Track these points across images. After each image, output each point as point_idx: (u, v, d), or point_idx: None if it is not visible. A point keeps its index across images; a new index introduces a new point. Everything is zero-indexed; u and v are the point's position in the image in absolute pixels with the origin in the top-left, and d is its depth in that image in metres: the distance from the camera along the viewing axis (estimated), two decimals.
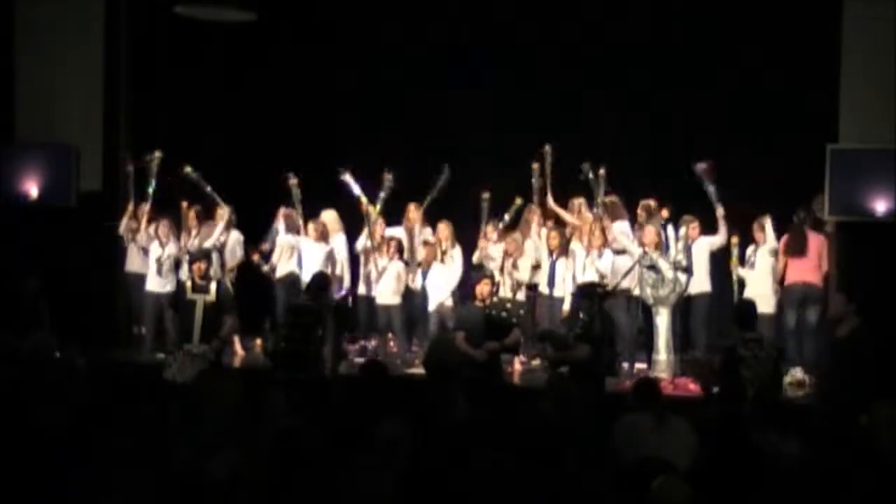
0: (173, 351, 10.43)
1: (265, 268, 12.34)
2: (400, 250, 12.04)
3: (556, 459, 6.98)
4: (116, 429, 8.63)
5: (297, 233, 12.18)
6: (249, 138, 13.60)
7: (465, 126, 13.15)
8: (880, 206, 11.10)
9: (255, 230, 12.59)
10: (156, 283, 11.96)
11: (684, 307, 11.50)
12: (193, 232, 12.44)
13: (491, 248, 11.93)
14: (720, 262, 11.79)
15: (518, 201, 11.99)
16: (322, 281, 10.77)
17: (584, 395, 8.63)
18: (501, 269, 11.64)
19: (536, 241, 12.07)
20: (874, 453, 7.09)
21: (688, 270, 11.17)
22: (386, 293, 11.97)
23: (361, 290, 12.35)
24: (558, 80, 12.98)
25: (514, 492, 6.44)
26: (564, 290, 11.68)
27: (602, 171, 11.45)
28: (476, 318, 10.05)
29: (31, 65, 12.42)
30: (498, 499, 6.34)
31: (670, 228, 11.58)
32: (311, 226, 12.15)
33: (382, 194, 12.01)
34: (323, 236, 12.12)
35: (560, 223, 12.12)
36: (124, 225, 12.35)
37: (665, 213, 11.55)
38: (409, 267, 12.08)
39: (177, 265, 12.00)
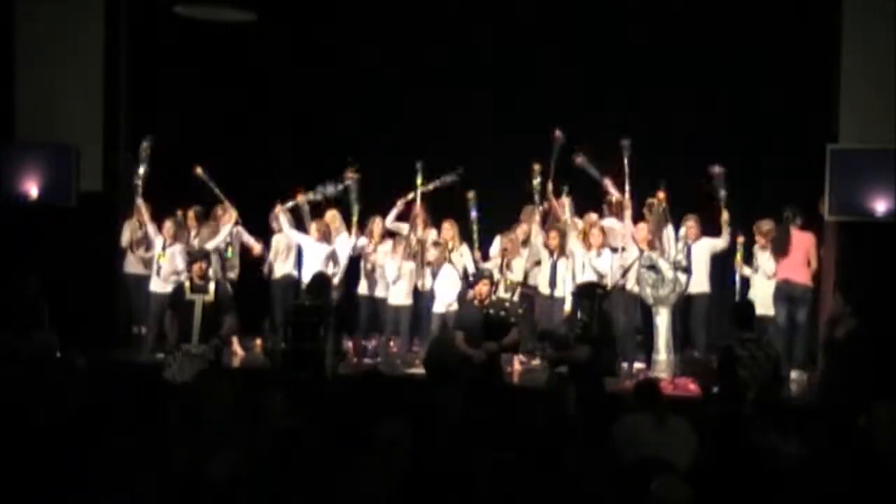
0: (173, 351, 10.42)
1: (264, 269, 12.36)
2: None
3: (556, 459, 6.99)
4: (116, 429, 8.65)
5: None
6: (249, 138, 13.59)
7: (466, 126, 13.14)
8: (880, 206, 11.10)
9: (255, 230, 12.58)
10: (158, 284, 11.95)
11: (684, 307, 11.51)
12: (193, 232, 12.44)
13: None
14: (720, 262, 11.79)
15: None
16: (322, 281, 10.76)
17: (583, 395, 8.65)
18: (501, 269, 11.64)
19: (536, 240, 12.06)
20: (873, 453, 7.10)
21: (687, 270, 11.18)
22: (400, 294, 11.97)
23: (363, 290, 12.33)
24: (558, 80, 12.98)
25: (513, 492, 6.44)
26: (565, 291, 11.68)
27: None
28: (475, 318, 10.05)
29: (31, 65, 12.41)
30: (498, 499, 6.34)
31: (670, 228, 11.58)
32: (313, 226, 12.15)
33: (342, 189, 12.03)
34: (325, 237, 12.12)
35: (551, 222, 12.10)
36: (126, 238, 12.39)
37: (661, 195, 11.43)
38: (418, 268, 12.07)
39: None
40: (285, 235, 12.26)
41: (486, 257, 11.97)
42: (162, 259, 11.95)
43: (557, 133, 11.73)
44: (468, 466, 6.45)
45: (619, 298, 11.25)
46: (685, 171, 11.53)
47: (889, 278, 10.83)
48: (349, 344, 12.10)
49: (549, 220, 12.09)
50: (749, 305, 9.65)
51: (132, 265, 12.48)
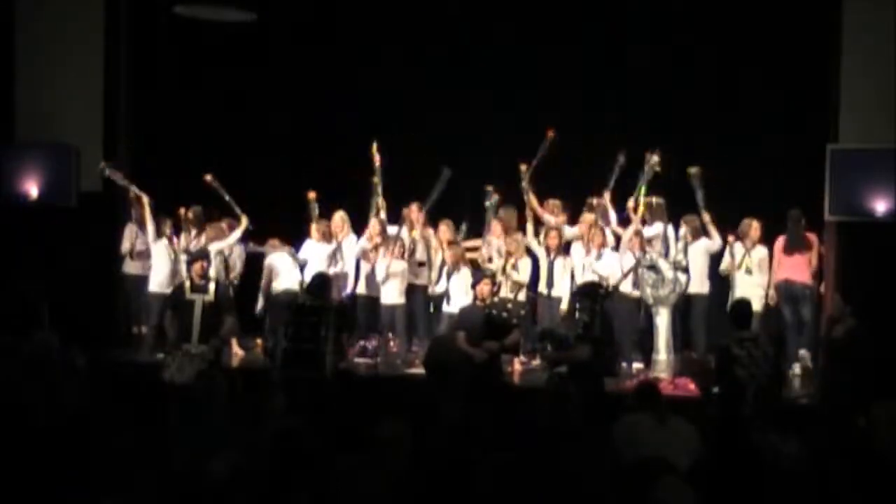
0: (172, 351, 10.42)
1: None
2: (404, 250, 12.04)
3: (556, 459, 6.99)
4: (116, 429, 8.65)
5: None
6: (250, 138, 13.59)
7: (466, 126, 13.14)
8: (880, 206, 11.10)
9: (255, 230, 12.59)
10: (162, 284, 11.95)
11: (684, 307, 11.51)
12: (193, 232, 12.44)
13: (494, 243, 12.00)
14: (720, 262, 11.80)
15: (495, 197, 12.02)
16: (322, 281, 10.76)
17: (583, 395, 8.64)
18: (503, 270, 11.63)
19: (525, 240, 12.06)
20: (873, 453, 7.10)
21: (686, 270, 11.18)
22: (392, 293, 11.96)
23: (361, 289, 12.33)
24: (557, 80, 12.98)
25: (513, 492, 6.44)
26: (562, 290, 11.67)
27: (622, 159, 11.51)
28: (476, 319, 10.05)
29: (31, 65, 12.41)
30: (497, 499, 6.34)
31: (670, 228, 11.57)
32: (314, 226, 12.15)
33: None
34: (325, 236, 12.11)
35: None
36: (126, 247, 12.40)
37: (655, 158, 11.41)
38: (412, 267, 12.05)
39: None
40: (278, 257, 12.18)
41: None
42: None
43: (550, 133, 11.73)
44: (468, 466, 6.45)
45: (620, 299, 11.24)
46: (683, 171, 11.51)
47: (889, 278, 10.84)
48: (349, 344, 12.10)
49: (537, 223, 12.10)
50: (746, 304, 9.65)
51: (131, 266, 12.48)
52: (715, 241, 11.51)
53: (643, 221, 11.55)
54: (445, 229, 12.12)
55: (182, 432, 7.97)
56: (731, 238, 11.62)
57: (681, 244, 11.34)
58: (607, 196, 11.71)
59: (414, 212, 12.20)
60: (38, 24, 12.39)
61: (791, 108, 12.29)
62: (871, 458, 6.98)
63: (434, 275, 12.02)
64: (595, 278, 11.17)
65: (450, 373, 9.77)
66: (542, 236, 12.00)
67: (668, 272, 11.05)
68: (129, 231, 12.45)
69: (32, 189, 12.32)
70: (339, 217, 12.36)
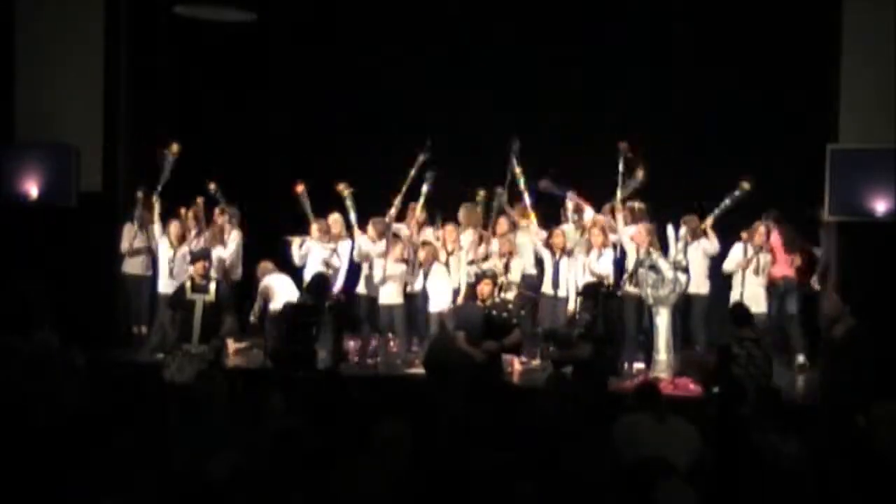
0: (172, 351, 10.42)
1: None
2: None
3: (556, 459, 6.99)
4: (116, 429, 8.64)
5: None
6: (250, 138, 13.59)
7: (466, 126, 13.13)
8: (880, 206, 11.10)
9: (254, 230, 12.60)
10: (168, 285, 11.95)
11: (684, 307, 11.51)
12: (193, 232, 12.44)
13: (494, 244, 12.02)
14: (720, 262, 11.80)
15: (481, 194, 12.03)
16: (321, 281, 10.75)
17: (585, 395, 8.65)
18: (505, 270, 11.64)
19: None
20: (873, 453, 7.10)
21: (686, 270, 11.18)
22: (391, 293, 11.94)
23: (361, 289, 12.32)
24: (556, 79, 12.98)
25: (514, 491, 6.44)
26: (567, 291, 11.67)
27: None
28: (476, 318, 10.05)
29: (31, 65, 12.41)
30: (498, 498, 6.34)
31: (670, 228, 11.57)
32: (314, 225, 12.14)
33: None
34: (325, 235, 12.11)
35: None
36: (125, 245, 12.40)
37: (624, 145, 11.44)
38: (409, 268, 12.06)
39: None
40: (276, 279, 12.16)
41: None
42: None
43: (516, 144, 11.75)
44: (468, 466, 6.45)
45: (621, 299, 11.24)
46: (684, 171, 11.52)
47: (889, 278, 10.84)
48: (349, 344, 12.10)
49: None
50: (746, 305, 9.67)
51: (131, 266, 12.47)
52: (711, 245, 11.49)
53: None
54: (452, 229, 12.10)
55: (182, 432, 7.98)
56: (744, 235, 11.66)
57: (681, 244, 11.33)
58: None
59: (415, 211, 12.22)
60: (38, 24, 12.38)
61: (791, 109, 12.28)
62: (871, 458, 6.98)
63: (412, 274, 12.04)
64: (595, 278, 11.18)
65: (450, 373, 9.77)
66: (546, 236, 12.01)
67: (668, 272, 11.05)
68: (128, 231, 12.44)
69: (32, 189, 12.32)
70: (336, 219, 12.34)
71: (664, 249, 11.36)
